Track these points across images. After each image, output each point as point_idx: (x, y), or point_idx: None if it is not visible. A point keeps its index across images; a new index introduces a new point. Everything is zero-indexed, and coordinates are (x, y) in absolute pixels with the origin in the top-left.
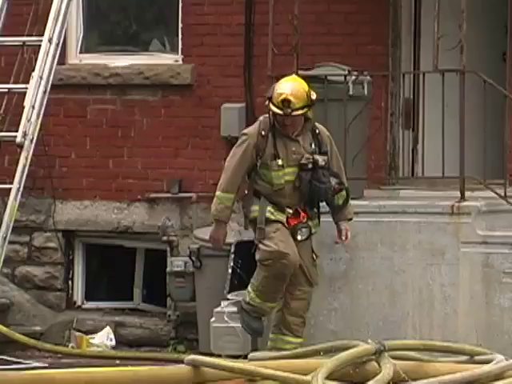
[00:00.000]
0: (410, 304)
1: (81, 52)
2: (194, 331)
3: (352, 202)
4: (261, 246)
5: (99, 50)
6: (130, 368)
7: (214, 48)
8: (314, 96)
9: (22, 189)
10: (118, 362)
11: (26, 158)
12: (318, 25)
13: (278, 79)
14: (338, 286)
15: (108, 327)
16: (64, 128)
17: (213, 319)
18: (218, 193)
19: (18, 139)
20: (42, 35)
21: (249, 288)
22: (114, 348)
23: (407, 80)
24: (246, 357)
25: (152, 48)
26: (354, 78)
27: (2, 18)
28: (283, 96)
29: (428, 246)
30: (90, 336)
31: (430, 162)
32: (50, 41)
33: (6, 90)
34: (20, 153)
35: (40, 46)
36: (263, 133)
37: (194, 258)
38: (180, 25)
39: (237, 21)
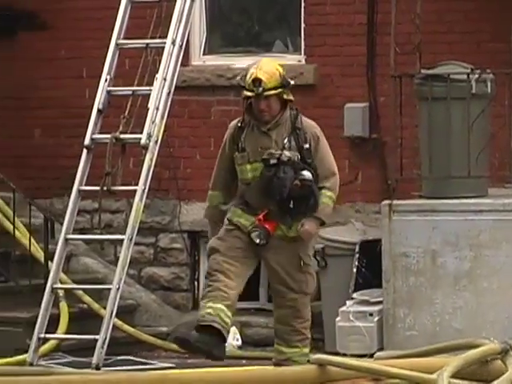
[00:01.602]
0: None
1: (204, 53)
2: (319, 330)
3: (476, 201)
4: None
5: (222, 51)
6: (257, 367)
7: (336, 48)
8: (290, 79)
9: (147, 190)
10: (244, 361)
11: (151, 160)
12: (438, 23)
13: (401, 78)
14: (462, 285)
15: (234, 327)
16: (188, 129)
17: (338, 318)
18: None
19: (143, 141)
20: (166, 37)
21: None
22: (240, 348)
23: None
24: (371, 356)
25: (275, 49)
26: (476, 76)
27: (126, 21)
28: (253, 75)
29: None
30: None
31: None
32: (173, 43)
33: (131, 92)
34: (145, 154)
35: (163, 48)
36: (239, 125)
37: (318, 258)
38: (302, 25)
39: (359, 20)
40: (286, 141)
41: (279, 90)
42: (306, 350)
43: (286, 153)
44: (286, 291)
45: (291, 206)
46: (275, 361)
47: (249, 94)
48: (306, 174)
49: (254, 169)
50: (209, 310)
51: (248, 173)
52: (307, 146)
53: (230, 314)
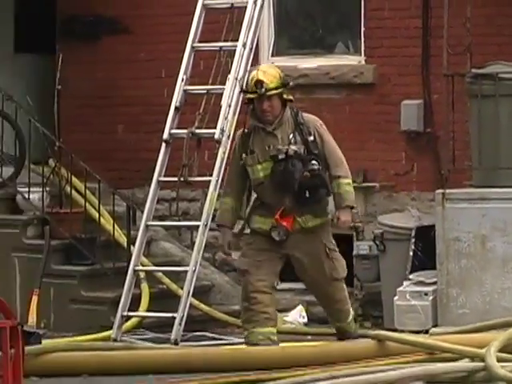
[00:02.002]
0: None
1: (272, 55)
2: (378, 309)
3: None
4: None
5: (289, 53)
6: (321, 343)
7: (393, 49)
8: (288, 80)
9: (220, 181)
10: (309, 337)
11: (224, 153)
12: (488, 26)
13: (453, 77)
14: (510, 267)
15: (300, 306)
16: None
17: (396, 297)
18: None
19: (216, 135)
20: (237, 41)
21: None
22: (305, 325)
23: None
24: (426, 332)
25: (337, 50)
26: None
27: (201, 25)
28: (255, 78)
29: None
30: (283, 314)
31: None
32: (244, 45)
33: (205, 91)
34: (218, 148)
35: (235, 50)
36: (246, 131)
37: (378, 242)
38: (363, 29)
39: (414, 24)
40: (291, 136)
41: (280, 89)
42: (353, 324)
43: (292, 147)
44: (317, 279)
45: (307, 195)
46: (338, 335)
47: (252, 96)
48: (314, 164)
49: (265, 168)
50: (260, 337)
51: (259, 172)
52: (312, 138)
53: (275, 330)
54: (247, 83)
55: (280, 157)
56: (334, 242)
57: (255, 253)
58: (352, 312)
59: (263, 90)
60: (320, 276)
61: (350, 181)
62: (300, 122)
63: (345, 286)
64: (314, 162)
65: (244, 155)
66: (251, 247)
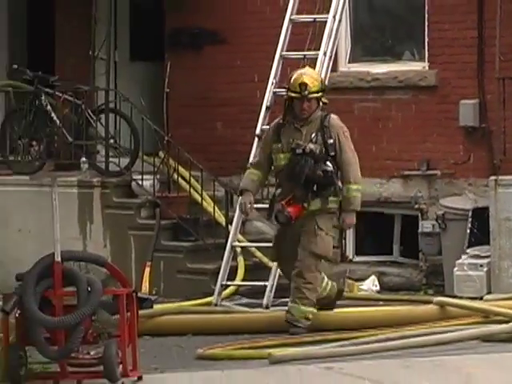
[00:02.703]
0: None
1: (349, 62)
2: (440, 278)
3: None
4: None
5: (363, 60)
6: (391, 308)
7: (453, 56)
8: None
9: None
10: (381, 303)
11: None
12: None
13: (504, 80)
14: None
15: (373, 276)
16: None
17: (455, 269)
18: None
19: None
20: (319, 50)
21: (298, 306)
22: (378, 292)
23: None
24: (481, 298)
25: (404, 57)
26: None
27: (288, 36)
28: (300, 80)
29: None
30: (359, 283)
31: None
32: (324, 54)
33: None
34: None
35: (317, 58)
36: (281, 122)
37: (439, 222)
38: (426, 39)
39: (471, 35)
40: (313, 135)
41: (320, 93)
42: (303, 308)
43: (311, 145)
44: (299, 251)
45: (314, 189)
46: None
47: (295, 95)
48: (328, 166)
49: (285, 158)
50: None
51: (281, 160)
52: (331, 141)
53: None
54: (290, 82)
55: (297, 151)
56: (330, 228)
57: (280, 241)
58: (310, 309)
59: (306, 92)
60: (301, 247)
61: (359, 187)
62: (325, 124)
63: (319, 275)
64: (328, 163)
65: (274, 144)
66: (277, 240)
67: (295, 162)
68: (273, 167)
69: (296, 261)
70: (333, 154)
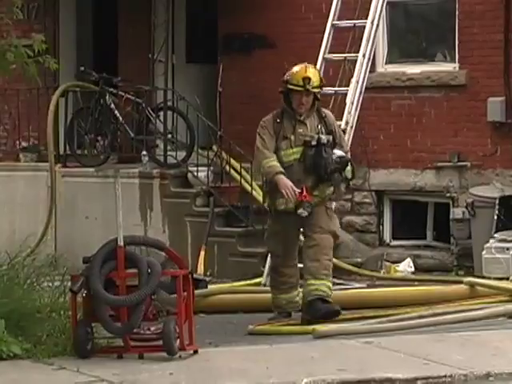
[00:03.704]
0: None
1: (386, 63)
2: (470, 260)
3: None
4: None
5: (399, 61)
6: (425, 287)
7: (481, 58)
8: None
9: None
10: (416, 283)
11: (348, 140)
12: None
13: None
14: None
15: (409, 258)
16: (374, 118)
17: (484, 252)
18: (261, 164)
19: (342, 126)
20: (358, 52)
21: (326, 282)
22: (413, 273)
23: None
24: (507, 278)
25: (437, 59)
26: None
27: (330, 40)
28: (304, 74)
29: None
30: (395, 265)
31: None
32: (363, 56)
33: (333, 91)
34: (344, 135)
35: (356, 59)
36: (278, 120)
37: (469, 209)
38: (457, 42)
39: (498, 38)
40: (319, 127)
41: (319, 89)
42: (330, 284)
43: (323, 136)
44: (317, 231)
45: (327, 177)
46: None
47: (299, 88)
48: (340, 152)
49: (297, 152)
50: (284, 302)
51: (291, 156)
52: (331, 128)
53: (297, 294)
54: (291, 76)
55: (312, 143)
56: (332, 208)
57: (280, 233)
58: (325, 288)
59: (309, 86)
60: (318, 228)
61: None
62: (322, 115)
63: (331, 255)
64: (339, 151)
65: (279, 141)
66: (276, 228)
67: (312, 154)
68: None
69: (310, 244)
70: (337, 140)
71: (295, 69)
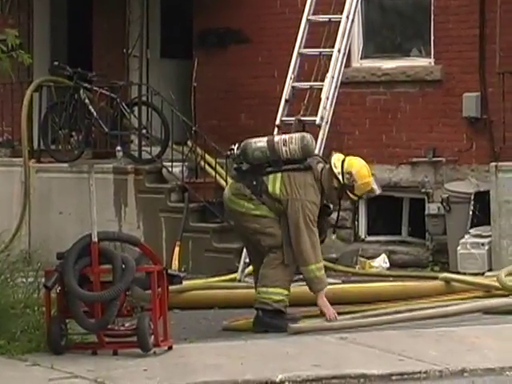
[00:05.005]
0: None
1: (361, 58)
2: (445, 256)
3: None
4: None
5: (374, 56)
6: (400, 283)
7: (456, 53)
8: None
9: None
10: (391, 279)
11: (323, 135)
12: None
13: (503, 74)
14: None
15: (384, 254)
16: (350, 113)
17: (459, 247)
18: (321, 265)
19: (317, 121)
20: (333, 47)
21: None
22: (388, 269)
23: None
24: (482, 274)
25: (412, 54)
26: None
27: (305, 36)
28: (370, 187)
29: None
30: (370, 260)
31: None
32: (339, 51)
33: (308, 86)
34: (319, 131)
35: (332, 54)
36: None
37: (444, 204)
38: (432, 37)
39: (473, 33)
40: None
41: None
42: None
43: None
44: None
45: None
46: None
47: (355, 198)
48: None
49: None
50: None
51: None
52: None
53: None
54: (357, 183)
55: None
56: None
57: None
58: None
59: (364, 196)
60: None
61: None
62: None
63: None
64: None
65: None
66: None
67: None
68: None
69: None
70: None
71: (365, 176)
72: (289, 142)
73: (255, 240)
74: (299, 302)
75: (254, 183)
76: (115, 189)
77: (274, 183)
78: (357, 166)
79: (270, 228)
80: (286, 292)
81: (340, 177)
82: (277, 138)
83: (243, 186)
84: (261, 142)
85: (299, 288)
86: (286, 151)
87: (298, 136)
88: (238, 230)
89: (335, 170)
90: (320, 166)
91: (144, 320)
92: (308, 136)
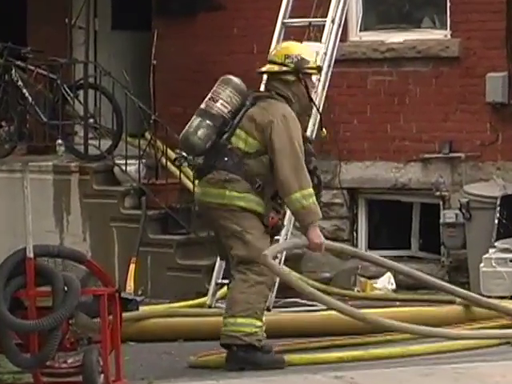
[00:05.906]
0: None
1: (360, 30)
2: (465, 275)
3: None
4: None
5: (376, 28)
6: (409, 309)
7: (478, 23)
8: None
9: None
10: (398, 303)
11: (314, 125)
12: None
13: None
14: None
15: (389, 272)
16: (346, 97)
17: (482, 264)
18: (308, 191)
19: None
20: (326, 17)
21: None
22: (394, 291)
23: None
24: (510, 298)
25: (423, 25)
26: None
27: (291, 2)
28: (314, 54)
29: None
30: (373, 281)
31: None
32: (332, 21)
33: None
34: (309, 119)
35: (324, 26)
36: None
37: (464, 211)
38: (448, 4)
39: None
40: None
41: None
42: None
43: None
44: None
45: None
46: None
47: (317, 72)
48: None
49: None
50: None
51: None
52: None
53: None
54: (306, 61)
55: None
56: None
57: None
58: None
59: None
60: None
61: None
62: None
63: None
64: None
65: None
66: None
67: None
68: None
69: None
70: None
71: (306, 51)
72: (216, 95)
73: (227, 246)
74: (278, 333)
75: (226, 159)
76: (56, 192)
77: (240, 137)
78: (284, 48)
79: (250, 235)
80: (258, 323)
81: (285, 68)
82: (203, 105)
83: (216, 172)
84: (199, 129)
85: (278, 316)
86: (221, 104)
87: (219, 83)
88: (214, 230)
89: (279, 70)
90: (264, 93)
91: (91, 355)
92: (227, 76)
